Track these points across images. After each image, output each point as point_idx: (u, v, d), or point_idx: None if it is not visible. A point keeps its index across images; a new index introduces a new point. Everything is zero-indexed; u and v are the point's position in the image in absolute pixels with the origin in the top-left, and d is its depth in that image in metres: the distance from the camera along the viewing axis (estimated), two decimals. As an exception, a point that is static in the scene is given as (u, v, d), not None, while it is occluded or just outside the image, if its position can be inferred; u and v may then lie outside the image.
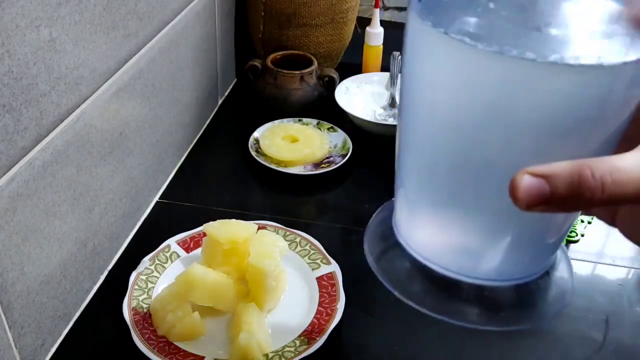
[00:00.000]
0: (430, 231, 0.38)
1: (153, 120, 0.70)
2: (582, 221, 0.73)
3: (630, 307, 0.63)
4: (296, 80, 0.90)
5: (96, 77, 0.56)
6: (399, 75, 0.93)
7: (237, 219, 0.63)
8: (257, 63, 0.93)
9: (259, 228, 0.64)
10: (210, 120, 0.92)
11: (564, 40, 0.29)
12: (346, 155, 0.81)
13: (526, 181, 0.25)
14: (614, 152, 0.29)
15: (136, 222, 0.70)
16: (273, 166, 0.79)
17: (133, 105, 0.65)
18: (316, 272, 0.63)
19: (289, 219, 0.72)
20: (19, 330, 0.49)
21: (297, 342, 0.55)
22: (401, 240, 0.39)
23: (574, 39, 0.29)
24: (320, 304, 0.59)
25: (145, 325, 0.56)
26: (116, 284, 0.61)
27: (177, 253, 0.64)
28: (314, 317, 0.58)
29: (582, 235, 0.72)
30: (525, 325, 0.38)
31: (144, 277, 0.61)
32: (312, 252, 0.65)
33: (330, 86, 0.92)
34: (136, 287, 0.59)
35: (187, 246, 0.65)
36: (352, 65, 1.02)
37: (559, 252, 0.39)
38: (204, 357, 0.54)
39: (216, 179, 0.80)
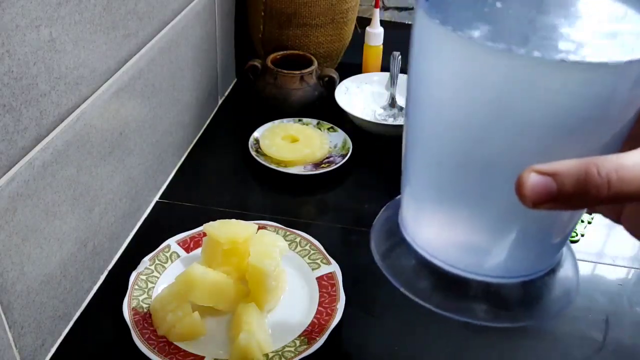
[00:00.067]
0: (437, 228, 0.38)
1: (153, 120, 0.70)
2: (582, 221, 0.73)
3: (630, 307, 0.63)
4: (296, 80, 0.90)
5: (96, 77, 0.56)
6: (399, 75, 0.94)
7: (237, 219, 0.63)
8: (257, 63, 0.93)
9: (259, 228, 0.64)
10: (210, 120, 0.92)
11: (570, 39, 0.29)
12: (346, 155, 0.81)
13: (533, 179, 0.25)
14: (620, 151, 0.29)
15: (136, 222, 0.70)
16: (273, 166, 0.79)
17: (133, 105, 0.65)
18: (316, 272, 0.63)
19: (289, 219, 0.72)
20: (19, 330, 0.49)
21: (297, 342, 0.55)
22: (407, 238, 0.39)
23: (580, 37, 0.29)
24: (320, 304, 0.59)
25: (145, 325, 0.56)
26: (116, 284, 0.61)
27: (177, 253, 0.64)
28: (314, 317, 0.58)
29: (582, 235, 0.72)
30: (531, 322, 0.38)
31: (144, 277, 0.61)
32: (312, 252, 0.65)
33: (330, 86, 0.92)
34: (136, 287, 0.59)
35: (187, 246, 0.65)
36: (352, 65, 1.02)
37: (564, 250, 0.39)
38: (204, 357, 0.54)
39: (216, 179, 0.80)
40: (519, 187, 0.26)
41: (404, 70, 0.94)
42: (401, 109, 0.93)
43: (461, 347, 0.58)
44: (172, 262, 0.63)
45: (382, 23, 0.99)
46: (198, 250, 0.64)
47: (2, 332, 0.47)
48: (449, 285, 0.37)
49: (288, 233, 0.67)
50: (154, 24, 0.67)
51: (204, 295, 0.56)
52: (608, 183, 0.25)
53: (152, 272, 0.62)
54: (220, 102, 0.97)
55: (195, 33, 0.81)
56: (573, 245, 0.72)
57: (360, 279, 0.64)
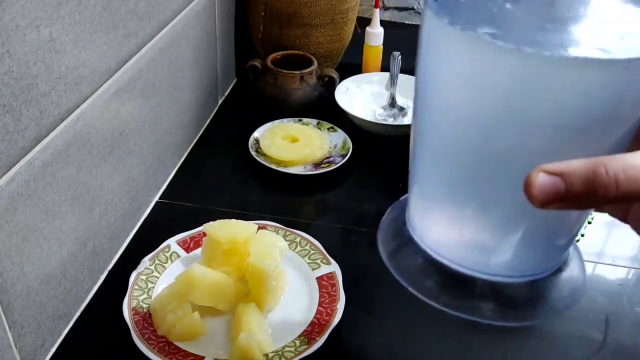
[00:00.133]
0: (445, 227, 0.38)
1: (153, 120, 0.70)
2: (582, 221, 0.73)
3: (630, 307, 0.63)
4: (296, 80, 0.90)
5: (96, 77, 0.56)
6: (399, 75, 0.94)
7: (237, 219, 0.63)
8: (257, 63, 0.93)
9: (259, 228, 0.64)
10: (210, 120, 0.92)
11: (580, 38, 0.29)
12: (346, 155, 0.81)
13: (541, 179, 0.25)
14: (628, 151, 0.29)
15: (136, 222, 0.70)
16: (273, 166, 0.79)
17: (133, 105, 0.65)
18: (316, 272, 0.63)
19: (289, 219, 0.72)
20: (19, 330, 0.49)
21: (297, 342, 0.55)
22: (415, 237, 0.39)
23: (589, 37, 0.29)
24: (320, 304, 0.59)
25: (145, 325, 0.56)
26: (116, 284, 0.61)
27: (177, 253, 0.64)
28: (314, 317, 0.58)
29: (582, 235, 0.72)
30: (538, 321, 0.38)
31: (144, 277, 0.61)
32: (312, 252, 0.65)
33: (330, 86, 0.92)
34: (136, 287, 0.59)
35: (187, 246, 0.65)
36: (352, 65, 1.02)
37: (571, 249, 0.39)
38: (204, 357, 0.54)
39: (216, 179, 0.80)
40: (527, 187, 0.26)
41: (404, 70, 0.94)
42: (401, 109, 0.93)
43: (461, 346, 0.58)
44: (172, 262, 0.63)
45: (382, 23, 0.99)
46: (198, 250, 0.64)
47: (2, 332, 0.47)
48: (456, 284, 0.37)
49: (288, 233, 0.67)
50: (154, 24, 0.67)
51: (204, 295, 0.56)
52: (616, 183, 0.25)
53: (152, 272, 0.62)
54: (220, 102, 0.97)
55: (195, 33, 0.81)
56: (573, 245, 0.72)
57: (360, 279, 0.64)
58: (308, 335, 0.56)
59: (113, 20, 0.57)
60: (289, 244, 0.65)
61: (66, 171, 0.53)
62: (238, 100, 0.99)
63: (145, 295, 0.59)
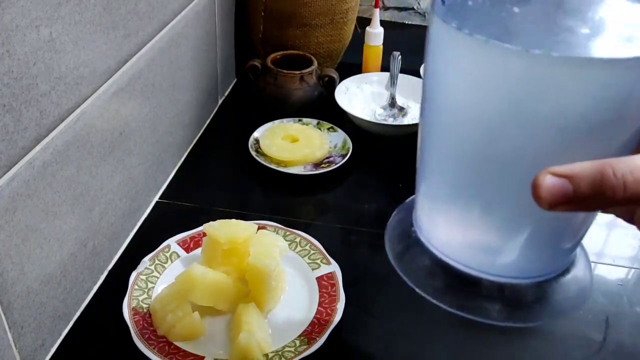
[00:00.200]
0: (452, 228, 0.38)
1: (153, 120, 0.70)
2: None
3: (630, 307, 0.63)
4: (296, 80, 0.90)
5: (96, 77, 0.56)
6: (399, 75, 0.94)
7: (237, 219, 0.63)
8: (257, 63, 0.93)
9: (259, 228, 0.64)
10: (210, 120, 0.92)
11: (587, 38, 0.29)
12: (346, 155, 0.81)
13: (549, 181, 0.25)
14: (635, 152, 0.29)
15: (136, 222, 0.70)
16: (273, 166, 0.79)
17: (133, 105, 0.65)
18: (316, 272, 0.63)
19: (289, 219, 0.72)
20: (19, 330, 0.49)
21: (297, 342, 0.55)
22: (422, 238, 0.39)
23: (597, 39, 0.30)
24: (320, 304, 0.59)
25: (145, 325, 0.56)
26: (116, 284, 0.61)
27: (177, 253, 0.64)
28: (314, 317, 0.58)
29: (582, 235, 0.72)
30: (544, 322, 0.38)
31: (144, 277, 0.61)
32: (312, 252, 0.65)
33: (330, 86, 0.92)
34: (136, 287, 0.59)
35: (187, 246, 0.65)
36: (352, 65, 1.02)
37: (578, 250, 0.39)
38: (204, 357, 0.54)
39: (216, 179, 0.80)
40: (534, 190, 0.26)
41: (403, 70, 0.94)
42: (401, 109, 0.93)
43: (461, 346, 0.58)
44: (172, 262, 0.63)
45: (382, 23, 0.99)
46: (198, 250, 0.64)
47: (2, 332, 0.47)
48: (463, 285, 0.37)
49: (288, 233, 0.67)
50: (154, 24, 0.67)
51: (204, 295, 0.56)
52: (624, 184, 0.25)
53: (152, 272, 0.62)
54: (220, 102, 0.97)
55: (195, 33, 0.81)
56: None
57: (360, 279, 0.64)
58: (308, 335, 0.56)
59: (113, 20, 0.57)
60: (289, 244, 0.65)
61: (66, 171, 0.53)
62: (238, 100, 0.99)
63: (145, 295, 0.59)
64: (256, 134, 0.84)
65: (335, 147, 0.84)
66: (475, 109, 0.32)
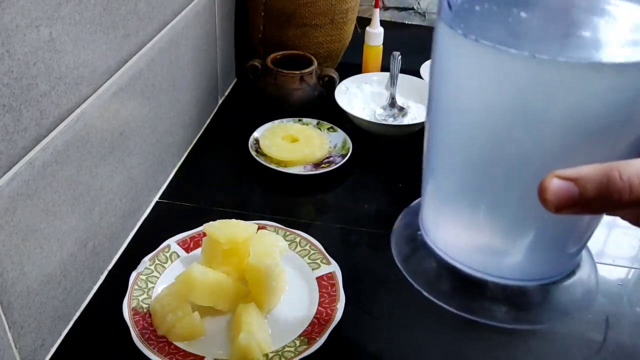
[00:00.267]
0: (458, 231, 0.39)
1: (153, 120, 0.70)
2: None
3: (630, 307, 0.63)
4: (296, 80, 0.90)
5: (96, 77, 0.56)
6: (399, 75, 0.94)
7: (237, 219, 0.63)
8: (257, 63, 0.93)
9: (259, 228, 0.64)
10: (210, 120, 0.92)
11: (593, 43, 0.30)
12: (346, 155, 0.81)
13: (555, 184, 0.26)
14: None
15: (136, 222, 0.70)
16: (273, 166, 0.79)
17: (133, 105, 0.65)
18: (316, 272, 0.63)
19: (289, 219, 0.72)
20: (19, 330, 0.49)
21: (297, 342, 0.55)
22: (428, 241, 0.40)
23: (603, 44, 0.30)
24: (320, 304, 0.59)
25: (145, 325, 0.56)
26: (116, 284, 0.61)
27: (177, 253, 0.64)
28: (314, 317, 0.58)
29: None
30: (550, 324, 0.39)
31: (144, 277, 0.61)
32: (312, 252, 0.65)
33: (330, 86, 0.92)
34: (136, 287, 0.59)
35: (187, 246, 0.65)
36: (352, 65, 1.02)
37: (583, 252, 0.39)
38: (204, 357, 0.54)
39: (216, 179, 0.80)
40: (541, 193, 0.26)
41: (403, 70, 0.94)
42: (401, 108, 0.93)
43: (461, 346, 0.58)
44: (172, 262, 0.63)
45: (382, 23, 0.99)
46: (198, 250, 0.64)
47: (2, 332, 0.47)
48: (469, 287, 0.38)
49: (288, 233, 0.67)
50: (154, 24, 0.67)
51: (204, 295, 0.56)
52: (630, 187, 0.25)
53: (152, 272, 0.62)
54: (220, 102, 0.97)
55: (195, 33, 0.81)
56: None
57: (360, 279, 0.64)
58: (308, 335, 0.56)
59: (113, 20, 0.57)
60: (289, 244, 0.65)
61: (66, 171, 0.53)
62: (238, 100, 0.99)
63: (145, 295, 0.59)
64: (256, 134, 0.85)
65: (335, 147, 0.84)
66: (482, 113, 0.32)
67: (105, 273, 0.64)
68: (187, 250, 0.65)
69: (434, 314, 0.39)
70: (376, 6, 0.98)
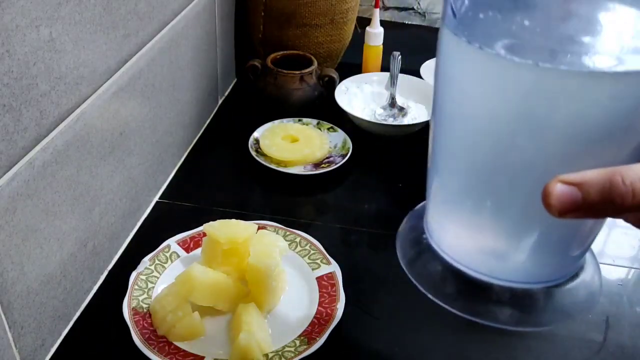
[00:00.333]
0: (462, 235, 0.39)
1: (153, 120, 0.70)
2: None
3: (630, 307, 0.63)
4: (296, 80, 0.90)
5: (96, 77, 0.56)
6: (399, 75, 0.94)
7: (237, 219, 0.63)
8: (257, 63, 0.93)
9: (259, 228, 0.64)
10: (210, 120, 0.92)
11: (595, 51, 0.30)
12: (346, 155, 0.81)
13: (559, 189, 0.26)
14: None
15: (136, 222, 0.70)
16: (273, 166, 0.79)
17: (133, 105, 0.65)
18: (316, 272, 0.63)
19: (289, 219, 0.72)
20: (19, 330, 0.49)
21: (297, 342, 0.55)
22: (433, 244, 0.40)
23: (605, 52, 0.30)
24: (320, 304, 0.59)
25: (145, 325, 0.56)
26: (116, 284, 0.61)
27: (177, 253, 0.64)
28: (314, 317, 0.58)
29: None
30: (555, 326, 0.39)
31: (144, 277, 0.61)
32: (312, 252, 0.65)
33: (330, 86, 0.92)
34: (136, 287, 0.59)
35: (187, 246, 0.65)
36: (352, 65, 1.02)
37: (587, 255, 0.39)
38: (204, 357, 0.54)
39: (216, 179, 0.80)
40: (545, 197, 0.26)
41: (403, 70, 0.94)
42: (401, 109, 0.93)
43: (461, 347, 0.58)
44: (172, 262, 0.63)
45: (382, 23, 0.99)
46: (198, 250, 0.64)
47: (2, 332, 0.47)
48: (473, 290, 0.38)
49: (288, 233, 0.67)
50: (154, 24, 0.67)
51: (204, 295, 0.56)
52: (632, 192, 0.25)
53: (152, 272, 0.62)
54: (220, 102, 0.97)
55: (195, 33, 0.81)
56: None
57: (360, 279, 0.64)
58: (308, 335, 0.56)
59: (113, 20, 0.57)
60: (289, 244, 0.65)
61: (66, 171, 0.53)
62: (238, 100, 0.99)
63: (145, 295, 0.59)
64: (256, 134, 0.85)
65: (335, 147, 0.84)
66: (486, 120, 0.32)
67: (105, 273, 0.64)
68: (187, 250, 0.65)
69: (434, 313, 0.39)
70: (376, 6, 0.98)
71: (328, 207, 0.76)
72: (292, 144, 0.82)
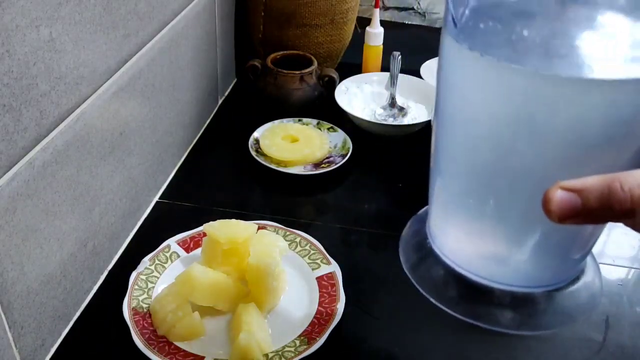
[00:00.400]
0: (464, 240, 0.39)
1: (153, 120, 0.70)
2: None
3: (630, 307, 0.63)
4: (296, 80, 0.90)
5: (96, 77, 0.56)
6: (399, 75, 0.94)
7: (237, 219, 0.63)
8: (257, 63, 0.93)
9: (259, 228, 0.64)
10: (210, 120, 0.92)
11: (594, 59, 0.30)
12: (346, 155, 0.81)
13: (559, 195, 0.26)
14: None
15: (136, 222, 0.70)
16: (273, 166, 0.79)
17: (133, 105, 0.65)
18: (316, 272, 0.63)
19: (289, 219, 0.72)
20: (19, 330, 0.49)
21: (297, 342, 0.55)
22: (435, 249, 0.40)
23: (603, 60, 0.30)
24: (320, 304, 0.59)
25: (145, 325, 0.56)
26: (116, 284, 0.61)
27: (177, 253, 0.64)
28: (314, 317, 0.58)
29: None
30: (556, 329, 0.39)
31: (144, 277, 0.61)
32: (312, 252, 0.65)
33: (330, 86, 0.92)
34: (136, 287, 0.59)
35: (187, 246, 0.65)
36: (352, 65, 1.02)
37: (588, 258, 0.40)
38: (204, 357, 0.54)
39: (216, 179, 0.80)
40: (545, 203, 0.27)
41: (403, 70, 0.94)
42: (401, 109, 0.93)
43: (461, 347, 0.58)
44: (172, 262, 0.63)
45: (382, 23, 0.99)
46: (198, 250, 0.64)
47: (2, 332, 0.47)
48: (476, 294, 0.38)
49: (288, 233, 0.67)
50: (154, 24, 0.67)
51: (204, 295, 0.56)
52: (631, 198, 0.26)
53: (152, 272, 0.62)
54: (220, 102, 0.97)
55: (195, 33, 0.81)
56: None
57: (360, 279, 0.64)
58: (308, 335, 0.56)
59: (113, 20, 0.57)
60: (289, 244, 0.65)
61: (66, 171, 0.53)
62: (238, 100, 0.99)
63: (145, 295, 0.59)
64: (256, 134, 0.85)
65: (335, 147, 0.84)
66: (487, 125, 0.33)
67: (105, 273, 0.64)
68: (187, 250, 0.65)
69: (434, 314, 0.39)
70: (376, 6, 0.98)
71: (328, 207, 0.76)
72: (292, 144, 0.82)
